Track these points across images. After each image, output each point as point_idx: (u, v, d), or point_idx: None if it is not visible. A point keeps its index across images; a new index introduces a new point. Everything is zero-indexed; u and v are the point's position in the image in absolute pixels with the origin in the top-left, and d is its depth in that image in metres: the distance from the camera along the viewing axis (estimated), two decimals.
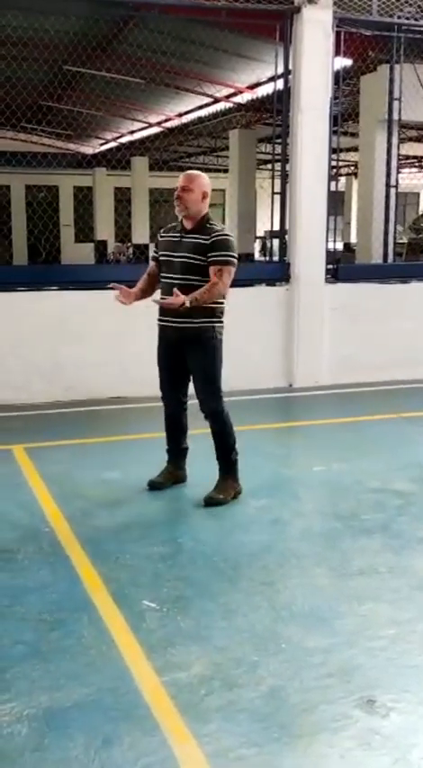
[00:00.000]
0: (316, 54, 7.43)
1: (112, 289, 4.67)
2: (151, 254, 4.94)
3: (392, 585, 3.66)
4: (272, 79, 8.12)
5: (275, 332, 7.74)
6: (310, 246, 7.64)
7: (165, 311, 4.59)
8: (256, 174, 19.01)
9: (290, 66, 7.56)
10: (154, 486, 4.86)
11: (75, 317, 7.16)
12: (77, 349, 7.12)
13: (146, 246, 22.77)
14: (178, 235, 4.62)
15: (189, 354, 4.63)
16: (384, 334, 8.07)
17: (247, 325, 7.52)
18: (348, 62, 9.22)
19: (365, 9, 7.76)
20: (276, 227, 7.98)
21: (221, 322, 4.64)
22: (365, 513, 4.55)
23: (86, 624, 3.25)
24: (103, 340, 7.20)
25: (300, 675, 2.90)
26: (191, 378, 4.73)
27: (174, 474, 4.95)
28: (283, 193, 7.83)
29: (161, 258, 4.70)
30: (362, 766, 2.43)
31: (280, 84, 7.79)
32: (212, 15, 7.91)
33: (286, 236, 7.84)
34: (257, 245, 22.42)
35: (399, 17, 7.99)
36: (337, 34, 7.56)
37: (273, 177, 8.09)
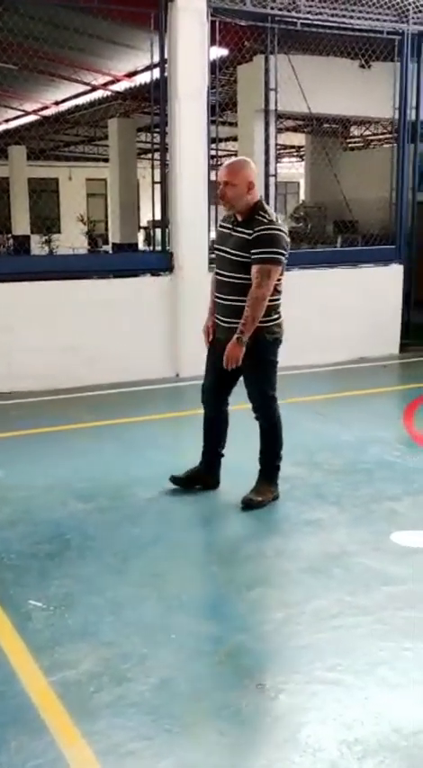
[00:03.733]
0: (192, 43, 7.42)
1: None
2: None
3: (280, 569, 3.72)
4: (149, 68, 8.04)
5: (161, 322, 7.70)
6: (193, 236, 7.64)
7: (218, 309, 4.39)
8: (138, 163, 18.87)
9: (166, 55, 7.52)
10: (176, 481, 4.61)
11: None
12: None
13: (26, 238, 22.23)
14: (230, 226, 4.28)
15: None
16: None
17: (132, 316, 7.49)
18: (224, 52, 9.24)
19: None
20: (159, 216, 7.94)
21: (275, 320, 4.40)
22: None
23: None
24: None
25: (190, 665, 2.90)
26: (242, 380, 4.48)
27: (201, 476, 4.66)
28: (163, 183, 7.80)
29: (215, 250, 4.40)
30: (252, 749, 2.46)
31: (157, 72, 7.73)
32: (85, 1, 7.76)
33: (169, 226, 7.81)
34: (141, 235, 22.31)
35: (272, 8, 8.07)
36: (213, 24, 7.57)
37: (152, 167, 8.04)
